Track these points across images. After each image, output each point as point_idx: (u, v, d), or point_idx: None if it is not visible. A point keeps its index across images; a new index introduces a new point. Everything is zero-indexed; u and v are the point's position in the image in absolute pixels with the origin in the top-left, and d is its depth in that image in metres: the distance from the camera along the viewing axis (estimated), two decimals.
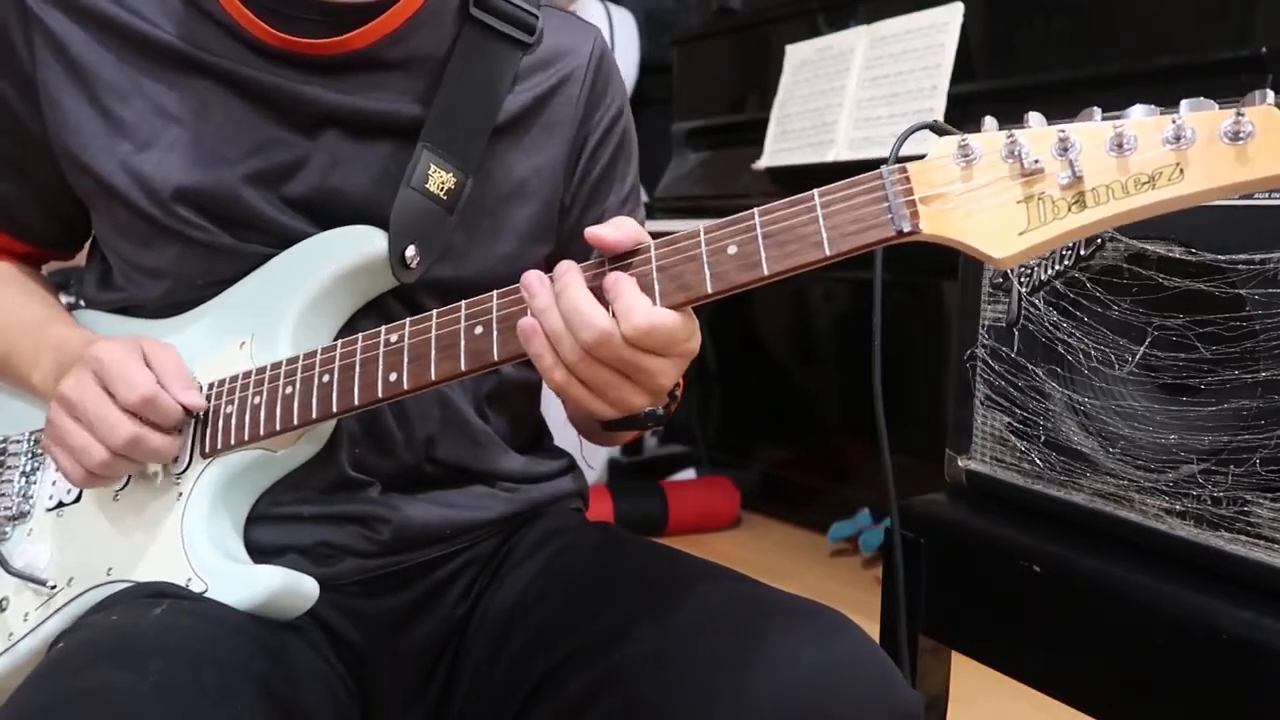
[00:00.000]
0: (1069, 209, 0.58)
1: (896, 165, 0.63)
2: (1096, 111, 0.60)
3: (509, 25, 0.88)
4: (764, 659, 0.68)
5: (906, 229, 0.61)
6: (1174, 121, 0.56)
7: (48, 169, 0.87)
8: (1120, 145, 0.57)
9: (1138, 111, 0.58)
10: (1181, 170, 0.56)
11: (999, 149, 0.60)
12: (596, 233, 0.67)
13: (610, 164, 0.94)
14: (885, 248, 0.87)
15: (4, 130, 0.87)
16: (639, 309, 0.64)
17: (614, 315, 0.64)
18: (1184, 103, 0.57)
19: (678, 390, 0.75)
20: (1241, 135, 0.55)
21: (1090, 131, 0.58)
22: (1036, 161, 0.58)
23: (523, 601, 0.86)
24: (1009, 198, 0.60)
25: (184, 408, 0.79)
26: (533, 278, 0.67)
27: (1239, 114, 0.55)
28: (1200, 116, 0.56)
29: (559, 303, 0.66)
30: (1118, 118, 0.58)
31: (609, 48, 0.96)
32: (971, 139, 0.61)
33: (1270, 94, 0.55)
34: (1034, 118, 0.61)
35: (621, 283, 0.65)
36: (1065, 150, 0.58)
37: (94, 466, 0.77)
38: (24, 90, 0.84)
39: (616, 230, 0.67)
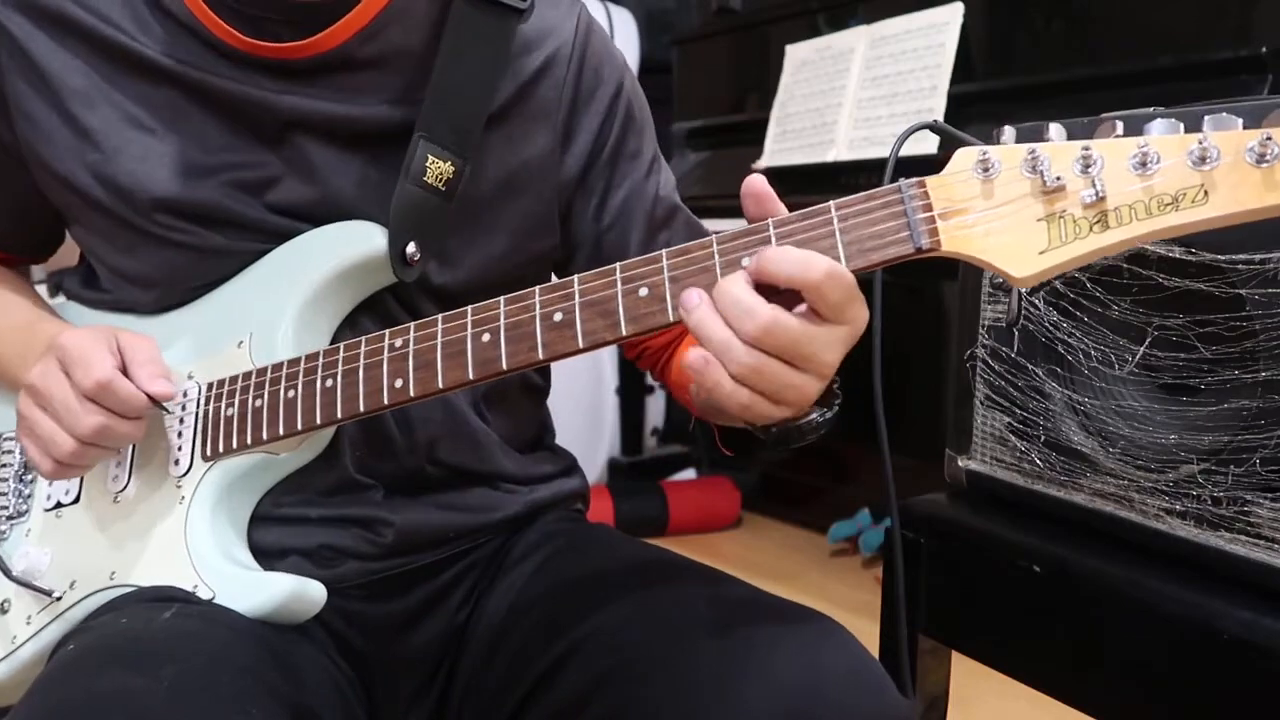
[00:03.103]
0: (1090, 229, 0.57)
1: (915, 180, 0.61)
2: (1119, 125, 0.58)
3: None
4: (756, 665, 0.68)
5: (926, 245, 0.60)
6: (1199, 141, 0.54)
7: (20, 178, 0.85)
8: (1144, 164, 0.56)
9: (1159, 127, 0.57)
10: (1206, 192, 0.54)
11: (1019, 163, 0.59)
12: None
13: (619, 143, 0.91)
14: None
15: None
16: (824, 261, 0.60)
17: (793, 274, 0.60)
18: (1207, 119, 0.55)
19: (836, 385, 0.71)
20: (1268, 157, 0.53)
21: (1113, 148, 0.57)
22: (1058, 178, 0.57)
23: (519, 603, 0.86)
24: (1029, 215, 0.58)
25: (150, 397, 0.76)
26: (691, 294, 0.63)
27: (1266, 136, 0.53)
28: (1225, 136, 0.54)
29: (717, 304, 0.61)
30: (1139, 133, 0.57)
31: (595, 22, 0.91)
32: (991, 152, 0.59)
33: None
34: (1054, 130, 0.59)
35: (780, 250, 0.61)
36: (1088, 167, 0.56)
37: (63, 456, 0.76)
38: None
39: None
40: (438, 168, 0.81)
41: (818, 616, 0.73)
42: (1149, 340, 0.85)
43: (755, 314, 0.60)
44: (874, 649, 0.74)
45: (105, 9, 0.80)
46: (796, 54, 2.32)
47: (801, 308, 0.61)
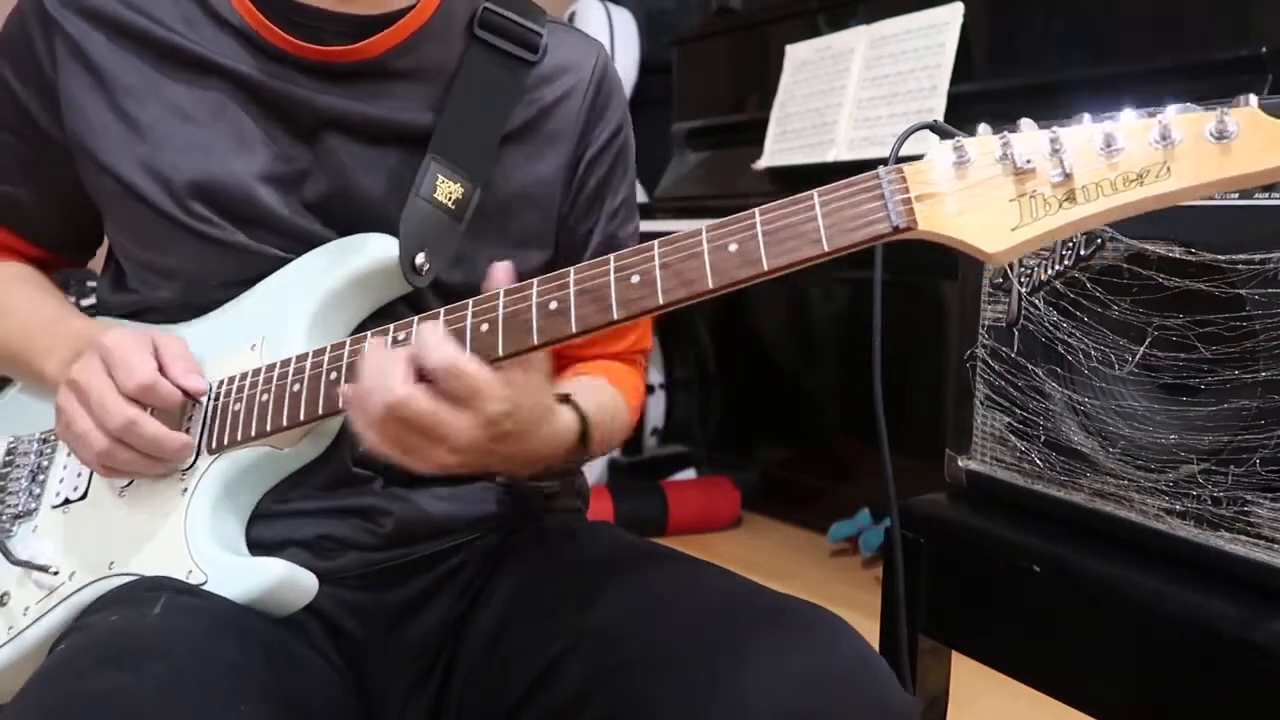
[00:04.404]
0: (1059, 205, 0.60)
1: (893, 166, 0.65)
2: (1086, 116, 0.62)
3: (513, 44, 0.91)
4: (757, 660, 0.68)
5: (902, 225, 0.64)
6: (1161, 123, 0.59)
7: (66, 175, 0.89)
8: (1109, 145, 0.60)
9: (1127, 115, 0.61)
10: (1169, 168, 0.59)
11: (992, 151, 0.63)
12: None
13: (606, 177, 0.97)
14: (885, 248, 0.88)
15: (24, 137, 0.89)
16: (448, 349, 0.68)
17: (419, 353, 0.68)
18: (1170, 106, 0.60)
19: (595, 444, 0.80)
20: (1226, 134, 0.58)
21: (1080, 133, 0.61)
22: (1028, 161, 0.61)
23: (518, 598, 0.86)
24: (1001, 195, 0.62)
25: (185, 391, 0.80)
26: (346, 389, 0.73)
27: (1223, 114, 0.58)
28: (1185, 118, 0.59)
29: (360, 366, 0.70)
30: (1108, 119, 0.61)
31: (612, 63, 0.98)
32: (966, 142, 0.63)
33: (1254, 98, 0.58)
34: (1025, 122, 0.63)
35: (428, 326, 0.71)
36: (1056, 150, 0.60)
37: (97, 452, 0.79)
38: (46, 98, 0.86)
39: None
40: (447, 187, 0.85)
41: (819, 611, 0.73)
42: (1149, 340, 0.85)
43: (391, 389, 0.67)
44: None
45: (156, 11, 0.85)
46: (796, 54, 2.32)
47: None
